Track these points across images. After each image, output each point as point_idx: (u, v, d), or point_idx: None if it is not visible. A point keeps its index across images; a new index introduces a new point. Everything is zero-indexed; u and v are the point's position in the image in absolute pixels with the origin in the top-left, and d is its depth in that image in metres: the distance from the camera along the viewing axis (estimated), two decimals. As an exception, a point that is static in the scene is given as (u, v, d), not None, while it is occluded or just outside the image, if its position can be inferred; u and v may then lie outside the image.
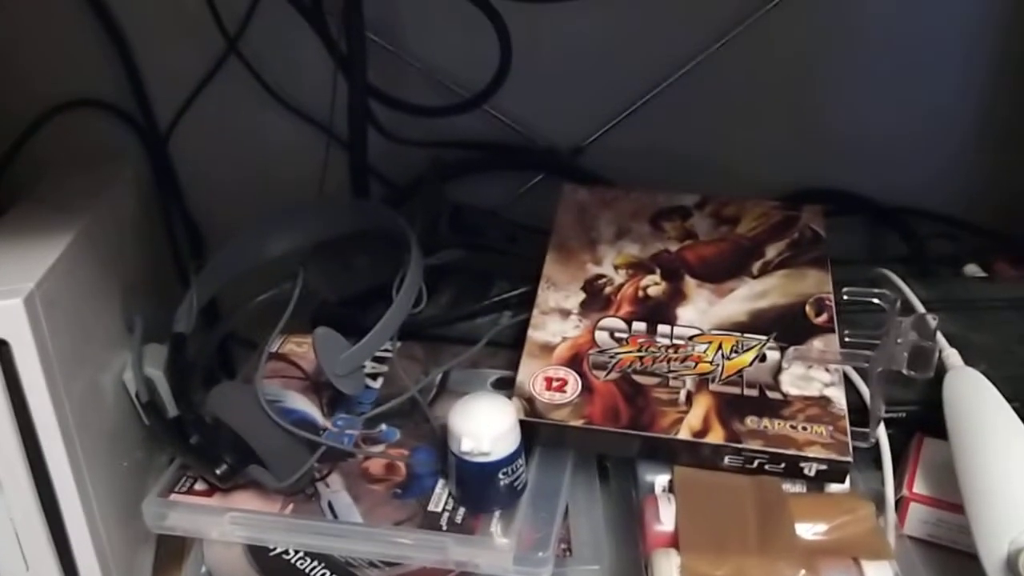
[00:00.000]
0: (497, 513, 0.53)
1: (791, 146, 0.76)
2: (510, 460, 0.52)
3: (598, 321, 0.60)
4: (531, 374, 0.57)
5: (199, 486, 0.56)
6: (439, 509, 0.53)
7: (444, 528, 0.52)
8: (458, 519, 0.53)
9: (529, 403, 0.55)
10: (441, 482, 0.55)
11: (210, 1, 0.70)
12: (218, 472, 0.53)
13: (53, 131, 0.74)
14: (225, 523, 0.54)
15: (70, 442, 0.51)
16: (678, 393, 0.55)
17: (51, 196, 0.62)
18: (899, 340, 0.54)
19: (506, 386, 0.62)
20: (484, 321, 0.68)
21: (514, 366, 0.62)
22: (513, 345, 0.64)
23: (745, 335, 0.58)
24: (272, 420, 0.52)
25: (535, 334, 0.59)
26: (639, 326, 0.59)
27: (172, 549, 0.62)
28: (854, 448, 0.52)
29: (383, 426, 0.59)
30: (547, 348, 0.58)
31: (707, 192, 0.69)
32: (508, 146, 0.78)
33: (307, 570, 0.54)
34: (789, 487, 0.54)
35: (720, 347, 0.58)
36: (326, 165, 0.72)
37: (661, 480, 0.55)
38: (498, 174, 0.79)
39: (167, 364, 0.60)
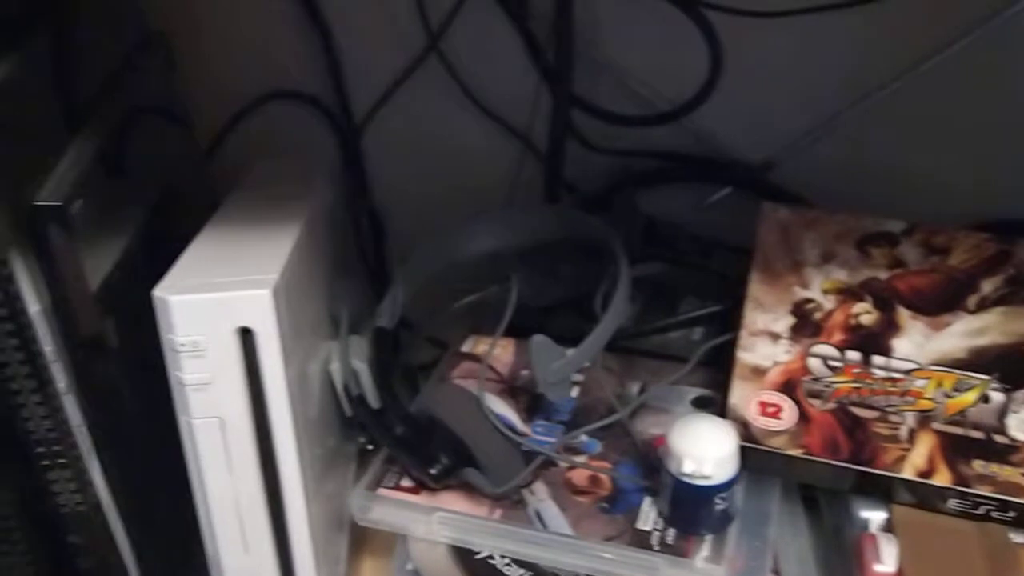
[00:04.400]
0: (709, 538, 0.52)
1: (1003, 172, 0.73)
2: (728, 485, 0.51)
3: (810, 347, 0.58)
4: (744, 398, 0.56)
5: (405, 482, 0.57)
6: (648, 528, 0.53)
7: (655, 548, 0.52)
8: (669, 540, 0.52)
9: (744, 427, 0.54)
10: (648, 499, 0.55)
11: (417, -4, 0.70)
12: (432, 472, 0.53)
13: (256, 120, 0.76)
14: (433, 522, 0.54)
15: (296, 429, 0.51)
16: (899, 429, 0.54)
17: (266, 186, 0.63)
18: None
19: (705, 405, 0.61)
20: (676, 336, 0.67)
21: (713, 385, 0.62)
22: (709, 363, 0.63)
23: (965, 373, 0.56)
24: (493, 426, 0.52)
25: (745, 356, 0.58)
26: (853, 355, 0.58)
27: (358, 538, 0.64)
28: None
29: (583, 437, 0.59)
30: (758, 371, 0.57)
31: (906, 214, 0.67)
32: (696, 157, 0.76)
33: (514, 577, 0.54)
34: (1014, 537, 0.52)
35: (940, 384, 0.56)
36: (520, 171, 0.72)
37: (876, 518, 0.53)
38: (683, 185, 0.78)
39: (371, 358, 0.61)
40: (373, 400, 0.59)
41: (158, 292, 0.48)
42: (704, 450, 0.50)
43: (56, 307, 0.43)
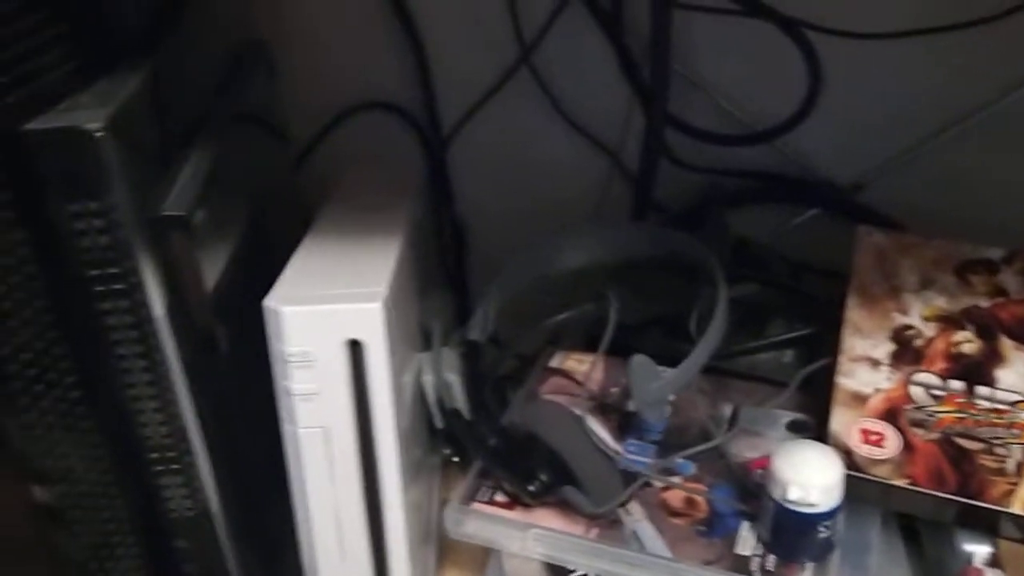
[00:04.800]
0: (810, 566, 0.52)
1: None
2: (833, 514, 0.51)
3: (911, 375, 0.57)
4: (846, 425, 0.55)
5: (499, 497, 0.57)
6: (748, 553, 0.52)
7: (756, 574, 0.51)
8: (769, 566, 0.52)
9: (847, 455, 0.53)
10: (746, 524, 0.54)
11: (512, 8, 0.70)
12: (531, 488, 0.53)
13: (344, 131, 0.76)
14: (528, 539, 0.54)
15: (399, 440, 0.52)
16: (1005, 462, 0.53)
17: (362, 195, 0.64)
18: None
19: (800, 429, 0.61)
20: (765, 357, 0.66)
21: (806, 409, 0.61)
22: (800, 386, 0.63)
23: (1073, 407, 0.55)
24: (594, 445, 0.52)
25: (845, 381, 0.58)
26: (956, 385, 0.57)
27: (443, 550, 0.64)
28: None
29: (677, 458, 0.59)
30: (859, 398, 0.57)
31: (999, 239, 0.65)
32: (784, 177, 0.76)
33: (609, 596, 0.53)
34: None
35: (1048, 417, 0.55)
36: (608, 187, 0.71)
37: (981, 551, 0.52)
38: (770, 205, 0.77)
39: (463, 370, 0.61)
40: (465, 413, 0.59)
41: (270, 302, 0.48)
42: (810, 477, 0.50)
43: (175, 314, 0.44)
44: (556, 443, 0.53)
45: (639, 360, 0.54)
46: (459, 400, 0.60)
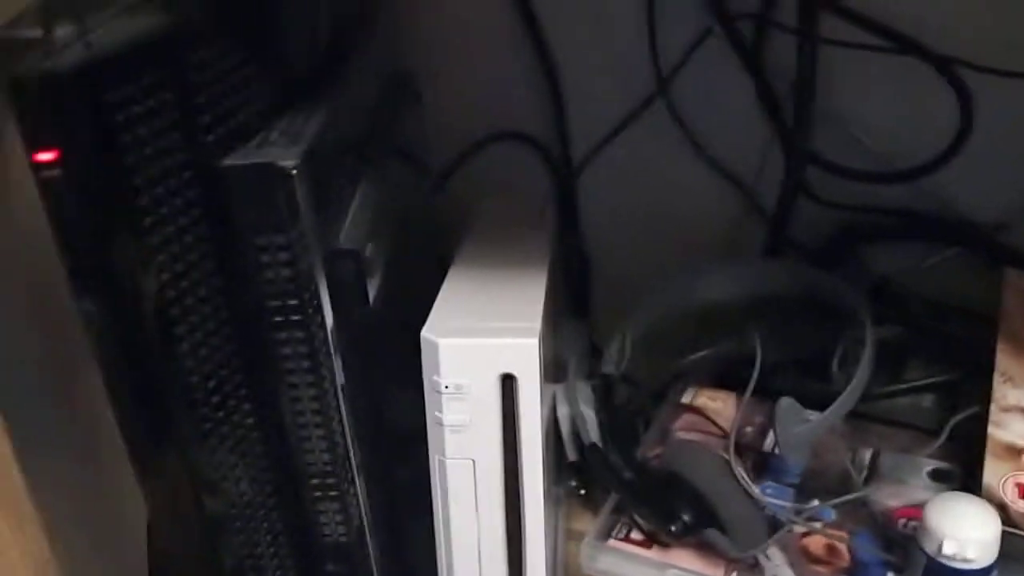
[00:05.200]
0: (962, 622, 0.50)
1: None
2: (988, 571, 0.49)
3: (1068, 428, 0.55)
4: (1000, 478, 0.54)
5: (635, 534, 0.57)
6: (895, 606, 0.51)
7: (905, 628, 0.50)
8: (919, 621, 0.50)
9: (1001, 510, 0.52)
10: (890, 575, 0.53)
11: (651, 39, 0.70)
12: (672, 528, 0.53)
13: (480, 157, 0.78)
14: (666, 578, 0.54)
15: (544, 473, 0.52)
16: None
17: (502, 226, 0.65)
18: None
19: (944, 479, 0.59)
20: (904, 401, 0.65)
21: (950, 457, 0.60)
22: (949, 435, 0.61)
23: None
24: (742, 489, 0.51)
25: (997, 432, 0.56)
26: (1117, 439, 0.55)
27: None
28: None
29: (816, 502, 0.58)
30: (1013, 450, 0.55)
31: None
32: (925, 215, 0.74)
33: (749, 642, 0.53)
34: None
35: None
36: (741, 222, 0.71)
37: None
38: (906, 243, 0.75)
39: (597, 404, 0.61)
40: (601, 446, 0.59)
41: (427, 334, 0.49)
42: (967, 532, 0.48)
43: (341, 343, 0.45)
44: (700, 483, 0.52)
45: (786, 403, 0.53)
46: (593, 433, 0.60)
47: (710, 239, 0.76)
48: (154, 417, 0.41)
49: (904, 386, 0.64)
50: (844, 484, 0.58)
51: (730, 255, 0.72)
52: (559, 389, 0.62)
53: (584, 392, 0.62)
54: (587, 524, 0.61)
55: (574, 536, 0.62)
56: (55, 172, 0.34)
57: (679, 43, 0.71)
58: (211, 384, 0.41)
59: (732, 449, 0.56)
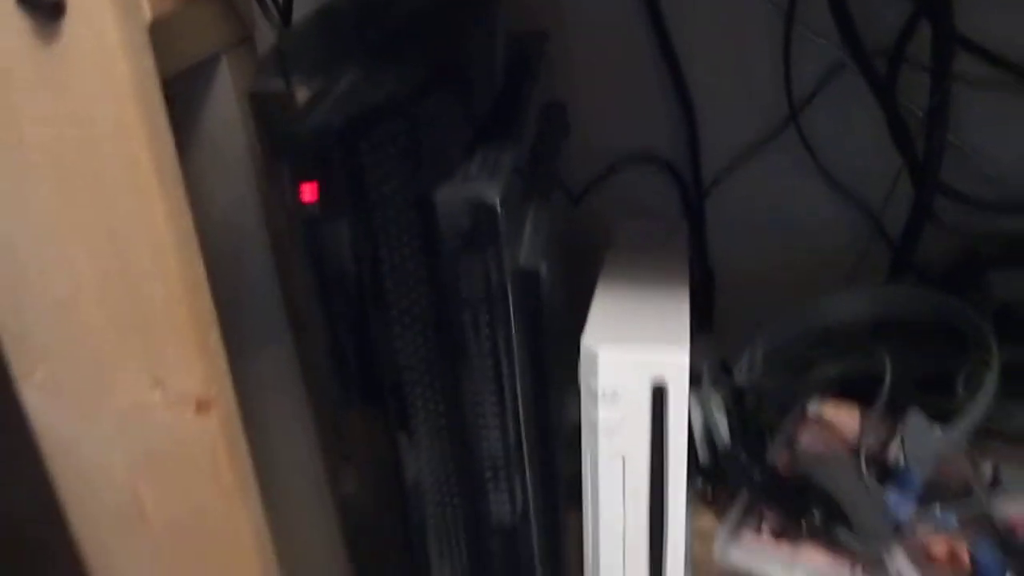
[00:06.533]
0: (1080, 628, 0.54)
1: None
2: (1107, 579, 0.52)
3: None
4: (1121, 495, 0.57)
5: (764, 533, 0.62)
6: (1015, 609, 0.55)
7: (1024, 629, 0.54)
8: (1037, 624, 0.54)
9: (1121, 524, 0.55)
10: (1012, 581, 0.57)
11: (785, 69, 0.75)
12: (806, 526, 0.58)
13: (615, 179, 0.84)
14: (795, 573, 0.59)
15: (687, 474, 0.57)
16: None
17: (642, 244, 0.70)
18: None
19: (1066, 495, 0.62)
20: (1024, 419, 0.68)
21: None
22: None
23: None
24: (867, 489, 0.56)
25: (1117, 452, 0.59)
26: None
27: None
28: None
29: (938, 511, 0.62)
30: None
31: None
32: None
33: (873, 635, 0.57)
34: None
35: None
36: (866, 249, 0.75)
37: None
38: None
39: (730, 411, 0.66)
40: (733, 450, 0.65)
41: (587, 342, 0.55)
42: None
43: (522, 348, 0.52)
44: (829, 484, 0.57)
45: (916, 416, 0.58)
46: (724, 439, 0.66)
47: (835, 263, 0.80)
48: (372, 398, 0.48)
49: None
50: (966, 495, 0.62)
51: (854, 279, 0.76)
52: (692, 396, 0.68)
53: (716, 400, 0.67)
54: (711, 523, 0.66)
55: (698, 535, 0.67)
56: (315, 208, 0.41)
57: (812, 74, 0.75)
58: (415, 375, 0.49)
59: (863, 453, 0.60)
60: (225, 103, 0.57)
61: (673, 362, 0.54)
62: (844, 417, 0.70)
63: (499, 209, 0.44)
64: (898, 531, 0.59)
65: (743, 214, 0.83)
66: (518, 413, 0.52)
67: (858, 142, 0.76)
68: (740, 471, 0.62)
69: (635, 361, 0.54)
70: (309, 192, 0.41)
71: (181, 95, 0.53)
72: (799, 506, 0.58)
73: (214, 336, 0.48)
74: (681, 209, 0.85)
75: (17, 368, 0.49)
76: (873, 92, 0.72)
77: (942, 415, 0.62)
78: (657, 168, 0.84)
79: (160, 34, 0.42)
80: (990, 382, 0.60)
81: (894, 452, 0.65)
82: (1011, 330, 0.72)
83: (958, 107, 0.72)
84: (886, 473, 0.65)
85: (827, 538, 0.59)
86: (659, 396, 0.55)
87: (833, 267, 0.79)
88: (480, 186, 0.45)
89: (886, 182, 0.75)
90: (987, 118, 0.72)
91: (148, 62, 0.42)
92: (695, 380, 0.69)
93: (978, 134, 0.73)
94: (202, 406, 0.48)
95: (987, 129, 0.73)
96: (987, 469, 0.64)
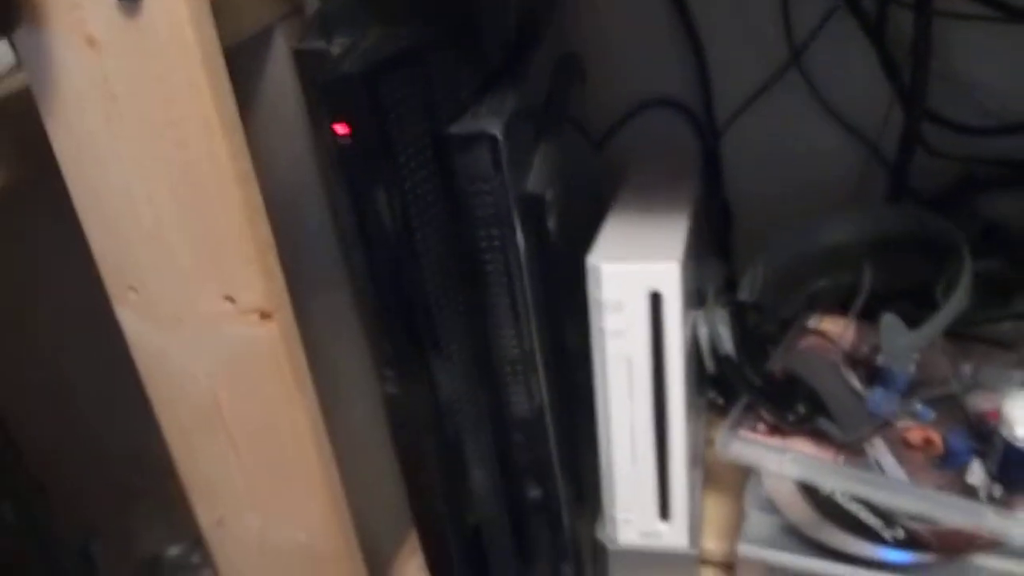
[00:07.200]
0: (1033, 497, 0.61)
1: None
2: (1056, 454, 0.59)
3: None
4: (1076, 382, 0.63)
5: (761, 427, 0.70)
6: (976, 483, 0.62)
7: (983, 500, 0.61)
8: (995, 494, 0.61)
9: (1074, 407, 0.62)
10: (977, 461, 0.64)
11: (785, 15, 0.82)
12: (790, 418, 0.66)
13: (634, 123, 0.91)
14: (785, 461, 0.67)
15: (683, 370, 0.66)
16: None
17: (653, 177, 0.78)
18: None
19: (1035, 389, 0.69)
20: (1007, 327, 0.74)
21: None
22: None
23: None
24: (846, 384, 0.64)
25: (1079, 347, 0.65)
26: None
27: (710, 475, 0.77)
28: None
29: (919, 405, 0.69)
30: (1092, 362, 0.64)
31: None
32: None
33: (853, 511, 0.65)
34: None
35: None
36: (866, 175, 0.81)
37: None
38: (1015, 191, 0.84)
39: (732, 325, 0.74)
40: (734, 360, 0.72)
41: (592, 260, 0.63)
42: (1035, 420, 0.59)
43: (531, 262, 0.60)
44: (814, 382, 0.65)
45: (889, 318, 0.65)
46: (728, 350, 0.74)
47: (838, 189, 0.87)
48: (407, 317, 0.58)
49: (1005, 312, 0.74)
50: (945, 392, 0.69)
51: (855, 202, 0.83)
52: (699, 314, 0.75)
53: (721, 315, 0.75)
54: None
55: (712, 442, 0.76)
56: (347, 141, 0.51)
57: (810, 18, 0.82)
58: (439, 292, 0.58)
59: (841, 355, 0.68)
60: (281, 68, 0.65)
61: (666, 273, 0.62)
62: (840, 329, 0.77)
63: (500, 139, 0.53)
64: (881, 424, 0.66)
65: (755, 149, 0.90)
66: (530, 321, 0.61)
67: (855, 79, 0.82)
68: (739, 376, 0.70)
69: (633, 274, 0.63)
70: (342, 129, 0.51)
71: (243, 62, 0.62)
72: (787, 401, 0.66)
73: (272, 258, 0.58)
74: (699, 148, 0.92)
75: (113, 292, 0.60)
76: (864, 32, 0.78)
77: (924, 321, 0.69)
78: (673, 111, 0.92)
79: (222, 9, 0.52)
80: (962, 288, 0.66)
81: (880, 358, 0.72)
82: (996, 248, 0.78)
83: (945, 40, 0.78)
84: (874, 375, 0.72)
85: (812, 430, 0.66)
86: (656, 302, 0.63)
87: (837, 193, 0.86)
88: (486, 122, 0.54)
89: (881, 112, 0.81)
90: (973, 49, 0.78)
91: (211, 32, 0.51)
92: (703, 299, 0.77)
93: (964, 64, 0.78)
94: (265, 316, 0.58)
95: (973, 59, 0.78)
96: (967, 370, 0.71)
